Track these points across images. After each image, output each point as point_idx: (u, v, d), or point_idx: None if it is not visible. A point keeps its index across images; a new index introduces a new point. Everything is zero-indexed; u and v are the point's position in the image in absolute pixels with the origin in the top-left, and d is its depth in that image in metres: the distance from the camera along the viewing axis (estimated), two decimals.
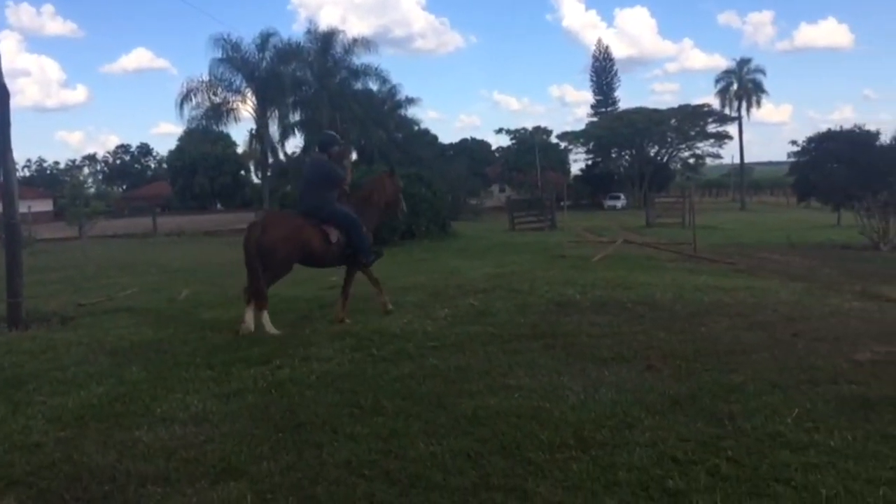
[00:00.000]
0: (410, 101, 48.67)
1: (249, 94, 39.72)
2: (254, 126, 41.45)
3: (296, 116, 42.43)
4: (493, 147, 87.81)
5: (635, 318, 8.20)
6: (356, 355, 6.68)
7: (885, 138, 21.97)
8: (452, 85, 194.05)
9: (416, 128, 54.80)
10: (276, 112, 40.69)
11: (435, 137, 72.59)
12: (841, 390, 5.20)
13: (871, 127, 29.51)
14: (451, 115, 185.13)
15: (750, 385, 5.36)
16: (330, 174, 8.46)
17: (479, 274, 12.98)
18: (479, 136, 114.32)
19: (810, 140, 23.30)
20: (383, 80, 44.63)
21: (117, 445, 4.56)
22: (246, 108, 40.22)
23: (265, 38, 39.39)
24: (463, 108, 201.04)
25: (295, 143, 45.36)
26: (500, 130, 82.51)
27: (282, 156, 44.19)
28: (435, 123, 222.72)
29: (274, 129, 41.76)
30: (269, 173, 42.59)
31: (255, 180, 66.92)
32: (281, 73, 39.15)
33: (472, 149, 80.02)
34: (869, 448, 4.13)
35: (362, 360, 6.52)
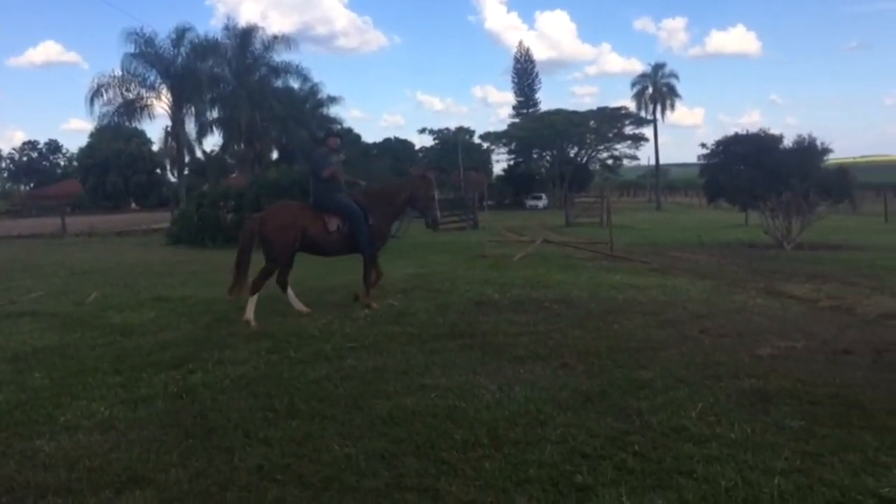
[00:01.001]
0: (333, 99, 48.24)
1: (164, 91, 38.52)
2: (169, 123, 40.24)
3: (213, 114, 41.42)
4: (417, 147, 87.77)
5: (552, 316, 8.36)
6: (272, 357, 6.57)
7: (788, 142, 23.08)
8: (376, 84, 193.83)
9: (339, 127, 54.29)
10: (193, 109, 39.62)
11: (358, 137, 72.18)
12: (742, 384, 5.44)
13: (777, 131, 31.04)
14: (374, 115, 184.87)
15: (658, 381, 5.54)
16: (314, 165, 9.09)
17: (400, 274, 12.94)
18: (402, 136, 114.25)
19: (719, 143, 24.25)
20: (304, 78, 44.08)
21: (16, 455, 4.36)
22: (161, 105, 38.99)
23: (181, 34, 38.26)
24: (386, 108, 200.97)
25: (213, 141, 44.50)
26: (423, 130, 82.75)
27: (199, 154, 43.11)
28: (358, 123, 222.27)
29: (191, 127, 40.65)
30: (185, 171, 41.44)
31: (172, 179, 65.01)
32: (197, 69, 38.12)
33: (395, 148, 79.72)
34: (766, 440, 4.33)
35: (278, 362, 6.42)
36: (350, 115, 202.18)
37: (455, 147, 75.18)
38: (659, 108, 74.44)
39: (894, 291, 10.79)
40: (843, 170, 22.51)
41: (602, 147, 76.78)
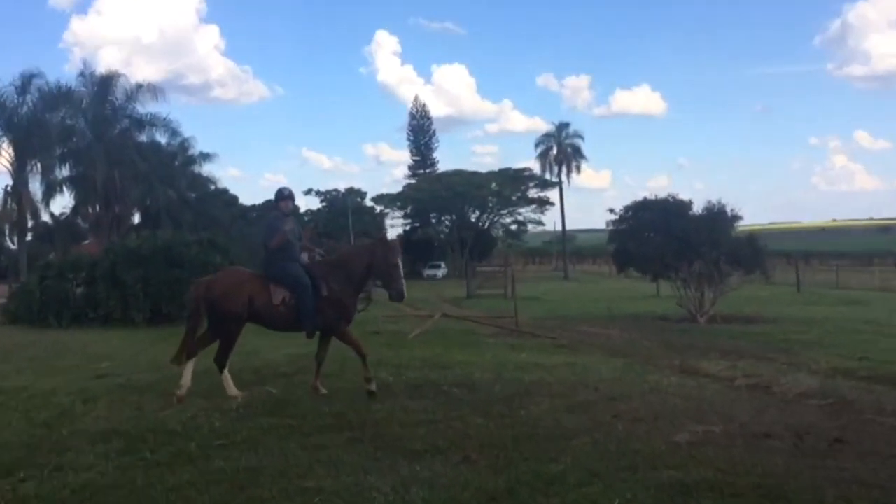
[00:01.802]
0: (206, 156, 47.74)
1: (5, 144, 36.96)
2: (10, 182, 38.46)
3: (65, 171, 40.06)
4: (302, 209, 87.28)
5: (452, 402, 8.30)
6: (124, 460, 6.17)
7: (697, 208, 24.12)
8: (256, 140, 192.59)
9: (213, 186, 53.57)
10: (39, 165, 38.12)
11: (235, 198, 71.04)
12: (660, 476, 5.49)
13: (686, 195, 32.39)
14: (254, 174, 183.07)
15: (570, 475, 5.53)
16: (263, 234, 9.14)
17: (280, 355, 12.61)
18: None
19: (627, 209, 25.11)
20: (173, 131, 43.46)
21: None
22: (1, 161, 37.33)
23: (27, 80, 37.05)
24: (268, 166, 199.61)
25: (63, 203, 42.76)
26: (309, 191, 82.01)
27: (45, 217, 41.30)
28: (236, 182, 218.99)
29: (36, 186, 39.05)
30: (27, 237, 39.52)
31: (11, 246, 61.76)
32: (46, 120, 36.87)
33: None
34: None
35: (131, 466, 6.03)
36: (226, 174, 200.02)
37: (344, 210, 75.24)
38: (564, 169, 77.06)
39: (811, 368, 11.36)
40: (754, 238, 23.69)
41: (505, 211, 78.62)
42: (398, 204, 78.81)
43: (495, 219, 79.77)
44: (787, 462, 5.92)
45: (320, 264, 9.29)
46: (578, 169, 77.98)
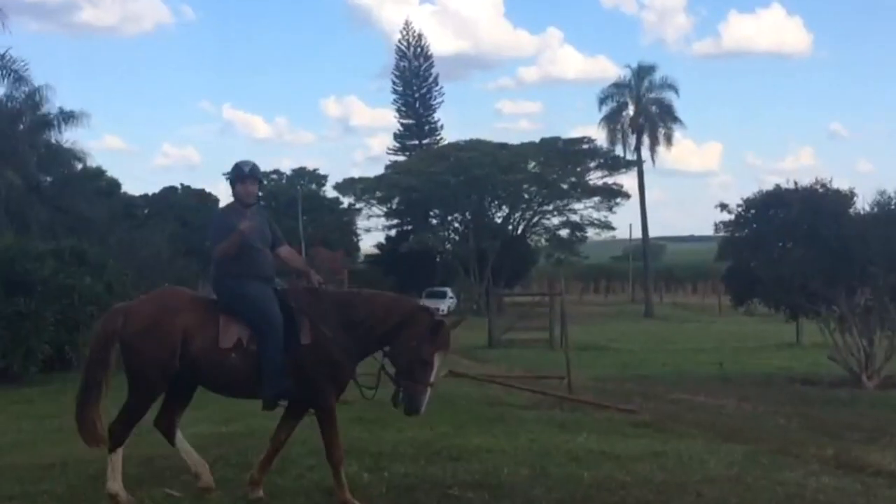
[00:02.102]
0: (69, 116, 47.62)
1: None
2: None
3: None
4: (224, 203, 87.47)
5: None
6: None
7: (862, 202, 23.93)
8: (150, 92, 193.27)
9: (81, 166, 53.55)
10: None
11: (116, 184, 71.39)
12: None
13: (843, 183, 32.14)
14: (146, 145, 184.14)
15: None
16: (211, 231, 9.40)
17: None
18: (197, 184, 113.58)
19: (749, 204, 24.95)
20: (15, 76, 43.43)
21: None
22: None
23: None
24: (169, 133, 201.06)
25: None
26: None
27: None
28: (116, 159, 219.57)
29: None
30: None
31: None
32: None
33: (184, 205, 79.09)
34: None
35: None
36: (102, 147, 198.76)
37: (292, 203, 75.20)
38: (646, 141, 77.18)
39: None
40: None
41: (551, 207, 78.62)
42: (378, 195, 78.81)
43: (535, 219, 79.78)
44: None
45: (307, 293, 9.07)
46: (669, 140, 78.33)
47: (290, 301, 8.77)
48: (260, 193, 9.59)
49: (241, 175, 9.22)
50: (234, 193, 9.28)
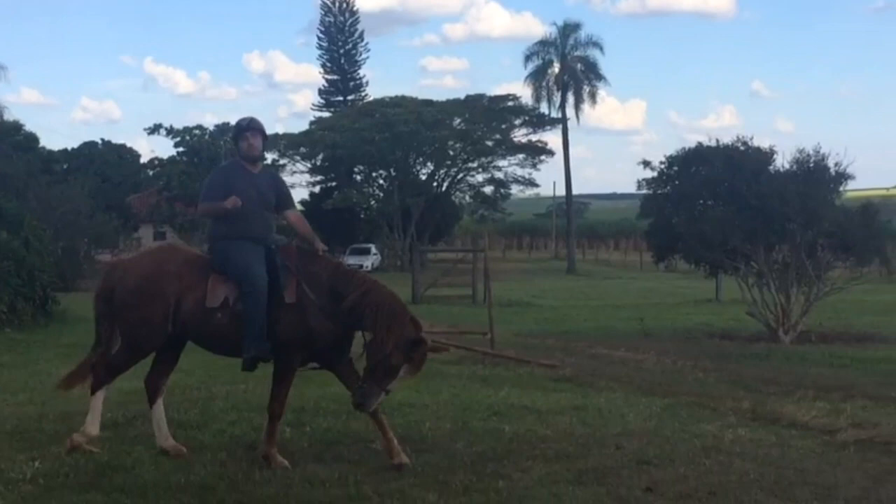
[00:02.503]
0: None
1: None
2: None
3: None
4: (146, 158, 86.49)
5: (387, 467, 8.33)
6: None
7: (782, 160, 24.15)
8: (69, 43, 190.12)
9: None
10: None
11: (34, 138, 70.19)
12: None
13: (763, 141, 32.19)
14: (65, 99, 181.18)
15: None
16: (204, 188, 9.22)
17: (106, 393, 12.51)
18: (118, 139, 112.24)
19: (671, 161, 25.06)
20: None
21: None
22: None
23: None
24: (88, 87, 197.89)
25: None
26: (156, 129, 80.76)
27: None
28: (36, 113, 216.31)
29: None
30: None
31: None
32: None
33: (104, 160, 78.06)
34: None
35: None
36: (18, 101, 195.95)
37: (215, 159, 74.42)
38: (571, 98, 77.41)
39: None
40: (870, 209, 23.87)
41: (476, 164, 78.63)
42: (302, 151, 78.55)
43: (459, 176, 79.75)
44: None
45: (301, 255, 8.93)
46: (594, 98, 78.50)
47: (281, 260, 8.70)
48: (260, 148, 9.29)
49: (241, 129, 9.15)
50: (238, 150, 9.18)
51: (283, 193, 9.32)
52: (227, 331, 8.59)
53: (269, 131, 9.94)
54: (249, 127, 9.11)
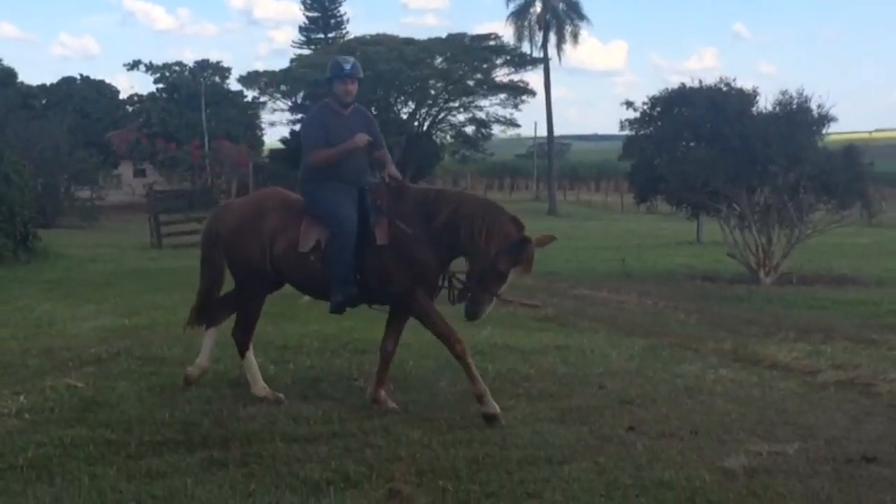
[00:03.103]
0: None
1: None
2: None
3: None
4: (125, 94, 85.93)
5: (371, 406, 8.41)
6: None
7: (765, 103, 24.12)
8: None
9: None
10: None
11: (12, 74, 69.68)
12: None
13: (746, 82, 32.13)
14: (43, 35, 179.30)
15: None
16: (302, 134, 9.28)
17: (89, 328, 12.56)
18: (97, 74, 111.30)
19: (654, 102, 25.00)
20: None
21: None
22: None
23: None
24: (66, 23, 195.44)
25: None
26: (135, 65, 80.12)
27: None
28: (13, 48, 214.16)
29: None
30: None
31: None
32: None
33: (83, 96, 77.61)
34: None
35: None
36: None
37: (194, 96, 74.12)
38: (552, 38, 77.08)
39: None
40: (853, 152, 23.90)
41: (457, 104, 78.47)
42: (283, 88, 77.97)
43: (441, 116, 79.58)
44: None
45: (390, 192, 8.62)
46: (576, 38, 78.18)
47: (372, 200, 8.48)
48: (354, 92, 8.97)
49: (341, 73, 8.86)
50: (332, 91, 8.94)
51: (374, 135, 8.95)
52: (321, 275, 8.51)
53: (249, 68, 9.95)
54: (350, 74, 8.88)
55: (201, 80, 77.09)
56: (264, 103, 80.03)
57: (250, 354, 8.96)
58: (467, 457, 6.82)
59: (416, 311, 8.48)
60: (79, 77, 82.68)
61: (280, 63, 79.28)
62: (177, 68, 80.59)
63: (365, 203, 8.51)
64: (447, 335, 8.27)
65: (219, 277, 9.26)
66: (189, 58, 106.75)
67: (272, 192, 9.46)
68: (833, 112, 23.10)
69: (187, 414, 8.01)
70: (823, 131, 23.72)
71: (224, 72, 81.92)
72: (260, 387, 8.72)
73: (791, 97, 23.10)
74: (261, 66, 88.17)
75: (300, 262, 8.56)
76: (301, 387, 9.11)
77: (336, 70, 8.88)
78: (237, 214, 8.99)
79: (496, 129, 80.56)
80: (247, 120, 79.80)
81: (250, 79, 79.92)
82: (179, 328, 12.61)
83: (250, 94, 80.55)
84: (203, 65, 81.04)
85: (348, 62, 8.95)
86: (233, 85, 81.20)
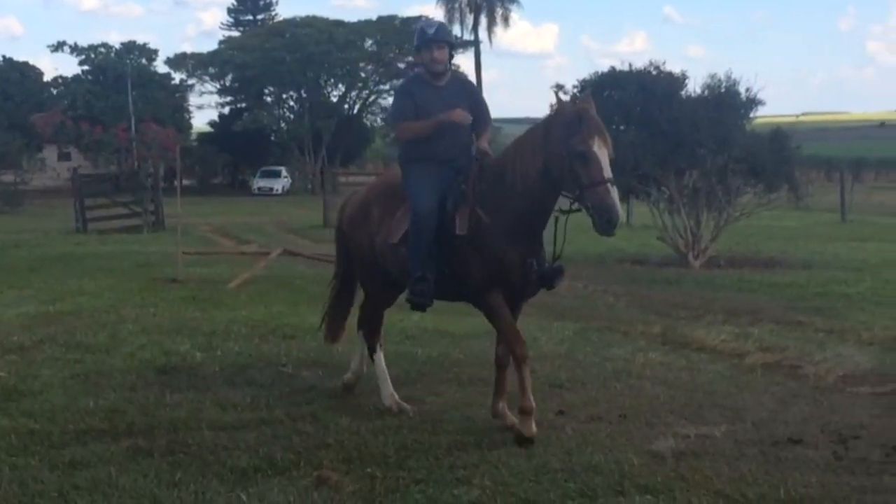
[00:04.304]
0: None
1: None
2: None
3: None
4: (49, 77, 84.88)
5: (299, 391, 8.43)
6: None
7: (693, 86, 24.28)
8: None
9: None
10: None
11: None
12: None
13: (675, 66, 32.15)
14: None
15: None
16: (391, 108, 8.82)
17: (12, 315, 12.41)
18: (20, 56, 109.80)
19: (585, 85, 25.05)
20: None
21: None
22: None
23: None
24: None
25: None
26: (59, 46, 79.20)
27: None
28: None
29: None
30: None
31: None
32: None
33: (5, 78, 76.60)
34: None
35: None
36: None
37: (120, 78, 73.42)
38: (483, 21, 77.20)
39: (860, 337, 11.81)
40: (780, 135, 24.10)
41: (387, 86, 78.26)
42: (211, 71, 77.55)
43: (371, 99, 79.54)
44: (824, 480, 6.19)
45: (479, 171, 7.68)
46: (506, 21, 78.49)
47: (459, 184, 7.62)
48: (446, 61, 8.11)
49: (426, 39, 8.00)
50: (422, 61, 8.16)
51: (476, 104, 8.09)
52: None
53: (176, 50, 9.56)
54: (436, 39, 8.00)
55: (128, 62, 76.43)
56: (192, 86, 79.76)
57: (379, 358, 8.34)
58: (396, 443, 6.83)
59: (485, 311, 7.70)
60: (1, 59, 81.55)
61: (208, 45, 78.87)
62: (102, 50, 79.91)
63: (451, 186, 7.66)
64: (513, 342, 7.51)
65: (348, 276, 8.85)
66: (115, 39, 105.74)
67: (384, 178, 9.22)
68: (761, 96, 23.34)
69: (112, 402, 7.96)
70: (751, 115, 23.92)
71: (151, 54, 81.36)
72: (388, 394, 8.04)
73: (720, 81, 23.24)
74: (188, 48, 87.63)
75: (394, 255, 7.85)
76: (229, 373, 9.06)
77: (420, 37, 8.09)
78: (354, 204, 8.57)
79: None
80: (174, 103, 79.29)
81: (178, 61, 79.49)
82: (105, 314, 12.57)
83: (178, 77, 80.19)
84: (129, 46, 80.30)
85: (432, 27, 8.17)
86: (160, 67, 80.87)
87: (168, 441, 6.87)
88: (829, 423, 7.61)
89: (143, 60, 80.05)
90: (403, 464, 6.38)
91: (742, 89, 23.20)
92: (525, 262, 7.46)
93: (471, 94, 8.23)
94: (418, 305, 7.76)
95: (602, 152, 7.06)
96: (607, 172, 7.05)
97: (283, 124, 78.20)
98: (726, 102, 23.07)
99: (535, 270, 7.55)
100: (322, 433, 7.10)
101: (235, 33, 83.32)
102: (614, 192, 7.09)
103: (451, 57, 8.30)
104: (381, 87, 78.16)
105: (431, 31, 8.06)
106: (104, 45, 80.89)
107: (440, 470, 6.26)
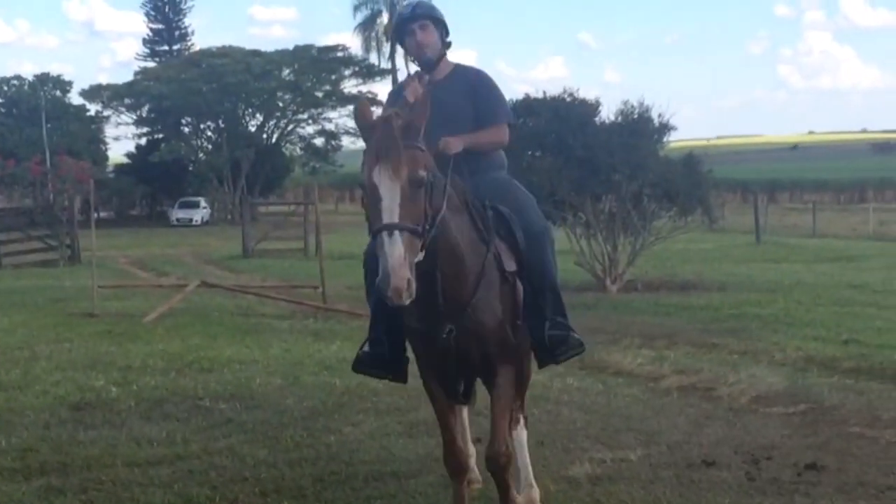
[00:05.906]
0: None
1: None
2: None
3: None
4: None
5: (217, 425, 8.40)
6: None
7: (608, 112, 24.51)
8: None
9: None
10: None
11: None
12: None
13: (590, 92, 32.57)
14: None
15: None
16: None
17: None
18: None
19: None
20: None
21: None
22: None
23: None
24: None
25: None
26: None
27: None
28: None
29: None
30: None
31: None
32: None
33: None
34: None
35: None
36: None
37: (35, 110, 72.56)
38: (400, 49, 77.40)
39: (774, 358, 11.97)
40: (693, 160, 24.44)
41: (306, 115, 78.37)
42: (127, 102, 76.84)
43: (290, 128, 79.38)
44: (736, 502, 6.29)
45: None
46: None
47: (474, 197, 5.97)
48: (440, 46, 6.63)
49: (402, 21, 6.52)
50: (410, 55, 6.71)
51: (482, 98, 6.47)
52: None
53: (91, 82, 8.98)
54: (413, 16, 6.41)
55: (41, 94, 75.53)
56: (108, 117, 78.88)
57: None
58: (313, 475, 6.82)
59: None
60: None
61: (124, 76, 77.80)
62: (15, 82, 78.96)
63: (473, 203, 5.89)
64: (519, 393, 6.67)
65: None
66: (28, 71, 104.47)
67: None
68: (673, 121, 23.68)
69: (24, 440, 7.87)
70: (665, 140, 24.28)
71: (65, 85, 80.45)
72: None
73: (633, 107, 23.51)
74: (104, 79, 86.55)
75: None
76: (144, 408, 9.02)
77: (397, 23, 6.67)
78: None
79: (346, 141, 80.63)
80: (90, 134, 78.41)
81: (93, 92, 78.61)
82: (18, 350, 12.42)
83: (93, 108, 79.25)
84: (43, 78, 79.39)
85: (408, 6, 6.57)
86: (75, 99, 79.80)
87: (81, 479, 6.80)
88: (743, 444, 7.73)
89: (58, 92, 79.13)
90: (320, 496, 6.38)
91: (655, 115, 23.53)
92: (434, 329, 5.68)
93: (476, 89, 6.52)
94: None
95: (386, 184, 5.05)
96: (388, 215, 5.05)
97: (201, 154, 77.62)
98: (639, 128, 23.36)
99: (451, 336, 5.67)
100: (239, 467, 7.06)
101: (151, 64, 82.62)
102: (395, 245, 4.94)
103: (447, 40, 6.70)
104: (300, 116, 78.17)
105: (406, 11, 6.51)
106: (17, 77, 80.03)
107: (357, 501, 6.28)
